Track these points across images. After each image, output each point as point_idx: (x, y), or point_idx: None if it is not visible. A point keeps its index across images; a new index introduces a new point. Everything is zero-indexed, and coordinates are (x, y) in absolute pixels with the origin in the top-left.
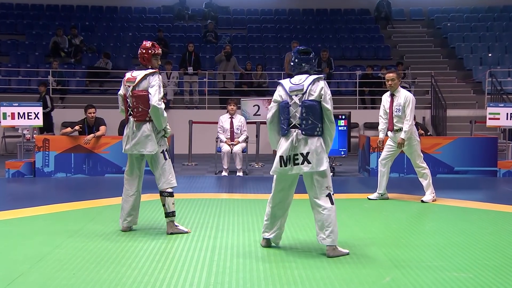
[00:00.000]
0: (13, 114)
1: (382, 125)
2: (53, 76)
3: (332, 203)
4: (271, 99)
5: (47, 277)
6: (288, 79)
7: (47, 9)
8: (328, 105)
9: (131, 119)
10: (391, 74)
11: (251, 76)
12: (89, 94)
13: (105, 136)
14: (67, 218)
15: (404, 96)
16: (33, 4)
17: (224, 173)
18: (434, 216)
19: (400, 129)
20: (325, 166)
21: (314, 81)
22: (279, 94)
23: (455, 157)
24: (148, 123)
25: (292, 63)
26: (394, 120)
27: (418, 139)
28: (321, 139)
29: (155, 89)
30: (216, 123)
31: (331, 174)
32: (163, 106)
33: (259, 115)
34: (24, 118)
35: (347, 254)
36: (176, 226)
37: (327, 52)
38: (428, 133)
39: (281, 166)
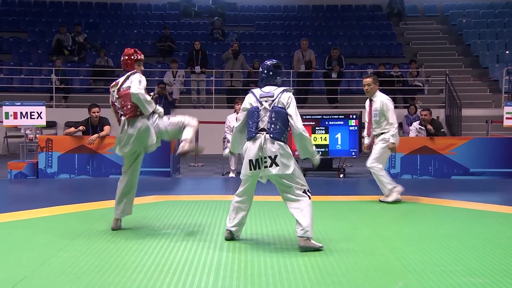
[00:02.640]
0: (15, 113)
1: (366, 131)
2: (56, 75)
3: (309, 197)
4: None
5: (50, 281)
6: (258, 88)
7: (50, 6)
8: (293, 112)
9: (123, 118)
10: (367, 79)
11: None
12: (93, 93)
13: (110, 136)
14: (71, 220)
15: (380, 100)
16: (36, 1)
17: (231, 174)
18: (449, 219)
19: (378, 134)
20: (291, 169)
21: (283, 91)
22: (249, 101)
23: (470, 158)
24: (140, 117)
25: (264, 75)
26: (373, 126)
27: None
28: (286, 145)
29: (135, 81)
30: (223, 122)
31: (342, 175)
32: (142, 91)
33: None
34: (27, 118)
35: (321, 248)
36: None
37: (337, 50)
38: (442, 130)
39: (250, 169)
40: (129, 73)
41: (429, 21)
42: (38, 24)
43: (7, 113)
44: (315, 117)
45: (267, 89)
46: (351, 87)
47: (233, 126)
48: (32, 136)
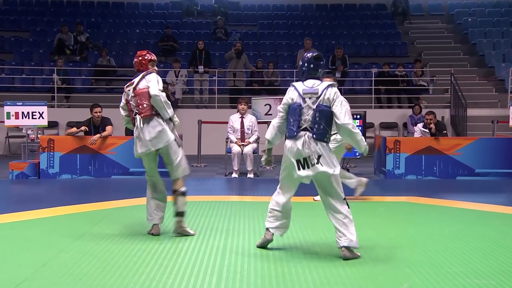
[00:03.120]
0: (17, 113)
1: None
2: (58, 75)
3: (348, 206)
4: (283, 98)
5: (51, 282)
6: (301, 82)
7: (51, 5)
8: (339, 110)
9: (138, 117)
10: (328, 79)
11: (263, 74)
12: (95, 93)
13: (112, 136)
14: (73, 221)
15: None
16: (38, 0)
17: (234, 175)
18: (454, 220)
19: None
20: (338, 170)
21: (328, 87)
22: (290, 96)
23: (476, 158)
24: (156, 116)
25: (305, 68)
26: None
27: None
28: (329, 146)
29: (153, 82)
30: (226, 123)
31: None
32: (163, 94)
33: (271, 114)
34: (28, 118)
35: (359, 257)
36: (184, 227)
37: (341, 49)
38: (444, 132)
39: (299, 169)
40: (144, 72)
41: (434, 20)
42: (40, 23)
43: (8, 113)
44: None
45: (310, 83)
46: (355, 87)
47: (234, 127)
48: (33, 136)
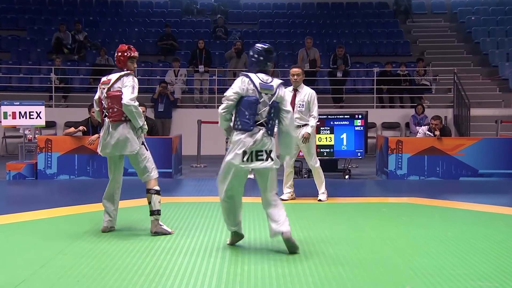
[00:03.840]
0: (14, 113)
1: None
2: (55, 74)
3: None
4: None
5: (50, 284)
6: (254, 74)
7: (49, 4)
8: (289, 110)
9: (107, 120)
10: (296, 69)
11: None
12: (93, 92)
13: None
14: (71, 222)
15: (308, 92)
16: None
17: None
18: (457, 222)
19: (300, 126)
20: (279, 164)
21: (280, 85)
22: (245, 87)
23: (479, 159)
24: (125, 123)
25: (255, 59)
26: (296, 116)
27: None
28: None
29: (128, 88)
30: None
31: (347, 177)
32: (135, 103)
33: None
34: (26, 118)
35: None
36: (161, 225)
37: (343, 48)
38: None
39: (242, 160)
40: (122, 73)
41: (437, 19)
42: (37, 22)
43: (5, 113)
44: (320, 117)
45: (263, 77)
46: (357, 86)
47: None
48: (31, 136)
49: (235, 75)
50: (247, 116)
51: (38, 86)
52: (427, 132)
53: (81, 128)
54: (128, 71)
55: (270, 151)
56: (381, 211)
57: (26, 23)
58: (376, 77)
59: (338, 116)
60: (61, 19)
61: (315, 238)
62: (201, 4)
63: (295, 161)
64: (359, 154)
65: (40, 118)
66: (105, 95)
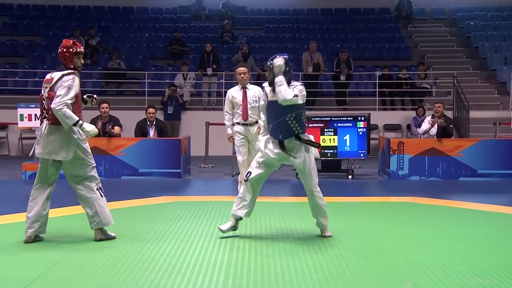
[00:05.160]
0: (30, 115)
1: (230, 121)
2: None
3: None
4: None
5: (64, 280)
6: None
7: (63, 10)
8: None
9: (45, 121)
10: (243, 68)
11: None
12: (106, 95)
13: (121, 138)
14: (83, 220)
15: (256, 89)
16: (50, 5)
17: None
18: (457, 221)
19: (255, 122)
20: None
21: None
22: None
23: (478, 159)
24: (62, 126)
25: (289, 68)
26: (250, 112)
27: None
28: None
29: (63, 89)
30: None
31: (350, 177)
32: (64, 108)
33: None
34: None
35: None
36: (104, 231)
37: (346, 53)
38: (450, 126)
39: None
40: (65, 71)
41: (437, 24)
42: (52, 28)
43: (21, 115)
44: (324, 119)
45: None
46: (360, 89)
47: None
48: None
49: None
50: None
51: None
52: (431, 119)
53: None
54: (71, 70)
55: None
56: (383, 210)
57: (41, 29)
58: (378, 80)
59: (341, 118)
60: (75, 25)
61: (319, 237)
62: (209, 10)
63: None
64: (361, 155)
65: None
66: (46, 95)
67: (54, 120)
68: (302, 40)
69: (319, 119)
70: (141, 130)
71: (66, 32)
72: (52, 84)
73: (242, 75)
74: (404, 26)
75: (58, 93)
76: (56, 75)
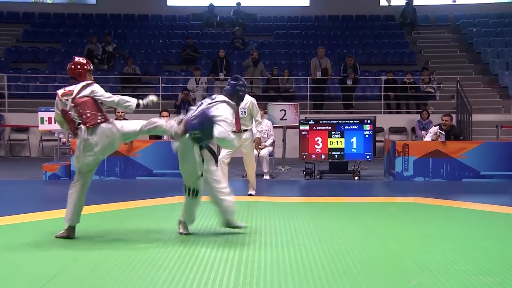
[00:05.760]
0: (50, 119)
1: None
2: None
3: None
4: (297, 104)
5: (81, 276)
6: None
7: (82, 18)
8: None
9: (83, 127)
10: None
11: (278, 81)
12: None
13: (136, 140)
14: (101, 219)
15: (249, 101)
16: (70, 13)
17: None
18: (460, 221)
19: (246, 130)
20: None
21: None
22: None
23: (481, 161)
24: (102, 124)
25: (242, 93)
26: (241, 121)
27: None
28: None
29: (106, 94)
30: None
31: (357, 178)
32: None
33: (286, 119)
34: None
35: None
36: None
37: (352, 58)
38: (461, 138)
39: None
40: (85, 83)
41: (441, 30)
42: (71, 35)
43: (42, 118)
44: (331, 122)
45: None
46: (366, 94)
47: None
48: (65, 140)
49: (252, 83)
50: None
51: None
52: (438, 130)
53: None
54: (90, 82)
55: None
56: (388, 210)
57: (61, 36)
58: (384, 84)
59: (348, 121)
60: (93, 32)
61: (327, 235)
62: (221, 18)
63: (307, 163)
64: (368, 156)
65: None
66: (72, 105)
67: (92, 121)
68: (310, 46)
69: (326, 122)
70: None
71: (84, 39)
72: (74, 94)
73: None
74: (409, 33)
75: (105, 96)
76: (73, 88)
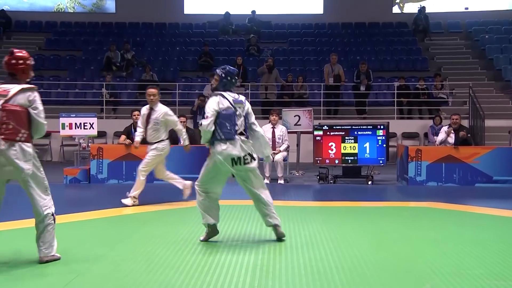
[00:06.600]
0: (70, 124)
1: (139, 134)
2: (106, 89)
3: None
4: (311, 110)
5: (102, 277)
6: (226, 92)
7: (102, 27)
8: (255, 119)
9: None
10: (153, 90)
11: (292, 87)
12: (140, 105)
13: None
14: (120, 222)
15: (162, 111)
16: (90, 22)
17: (265, 181)
18: (473, 225)
19: (152, 143)
20: (257, 163)
21: (246, 100)
22: (222, 104)
23: (494, 166)
24: (19, 143)
25: (227, 80)
26: (149, 132)
27: (161, 153)
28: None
29: (40, 107)
30: None
31: (370, 182)
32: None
33: (300, 125)
34: (80, 128)
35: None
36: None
37: (365, 64)
38: (468, 135)
39: (232, 166)
40: (26, 86)
41: (453, 37)
42: (92, 43)
43: (63, 124)
44: (345, 127)
45: (233, 94)
46: (379, 99)
47: (267, 137)
48: (85, 144)
49: (267, 89)
50: (228, 127)
51: (91, 100)
52: (447, 129)
53: (127, 142)
54: (32, 86)
55: (250, 153)
56: (402, 214)
57: (82, 44)
58: (397, 90)
59: (361, 127)
60: (112, 40)
61: (341, 239)
62: (236, 25)
63: (321, 167)
64: (381, 161)
65: (93, 128)
66: (0, 108)
67: (9, 136)
68: (324, 53)
69: (340, 127)
70: (171, 138)
71: (104, 47)
72: (8, 97)
73: (152, 97)
74: (421, 39)
75: (39, 112)
76: (10, 87)
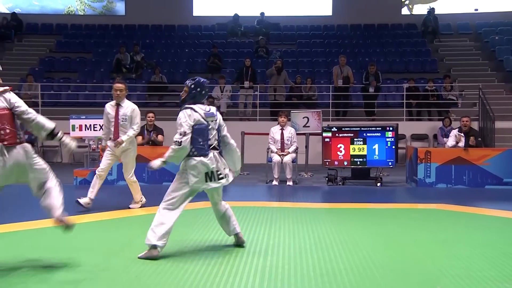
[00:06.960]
0: (80, 126)
1: (105, 133)
2: None
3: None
4: (320, 111)
5: (111, 280)
6: (196, 105)
7: (112, 29)
8: (226, 131)
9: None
10: (120, 85)
11: (301, 89)
12: (149, 107)
13: (162, 146)
14: (129, 223)
15: (131, 108)
16: (100, 24)
17: (274, 182)
18: (483, 227)
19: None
20: (231, 178)
21: (217, 111)
22: (193, 118)
23: (504, 168)
24: (20, 145)
25: (196, 92)
26: (120, 129)
27: (136, 152)
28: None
29: (25, 107)
30: (268, 134)
31: (379, 184)
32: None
33: (308, 126)
34: (90, 130)
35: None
36: None
37: (374, 66)
38: (479, 139)
39: (206, 181)
40: (1, 89)
41: (463, 39)
42: (101, 45)
43: (73, 126)
44: (354, 129)
45: (203, 107)
46: (388, 101)
47: (275, 138)
48: (94, 146)
49: (275, 91)
50: (201, 143)
51: (100, 102)
52: (458, 133)
53: (141, 140)
54: (5, 88)
55: (224, 169)
56: (411, 216)
57: (92, 46)
58: (406, 92)
59: (370, 128)
60: (122, 42)
61: (350, 240)
62: (245, 27)
63: (330, 169)
64: (390, 163)
65: (102, 130)
66: None
67: (10, 140)
68: (333, 55)
69: (349, 129)
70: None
71: (114, 49)
72: None
73: (118, 92)
74: (431, 41)
75: (28, 111)
76: None
